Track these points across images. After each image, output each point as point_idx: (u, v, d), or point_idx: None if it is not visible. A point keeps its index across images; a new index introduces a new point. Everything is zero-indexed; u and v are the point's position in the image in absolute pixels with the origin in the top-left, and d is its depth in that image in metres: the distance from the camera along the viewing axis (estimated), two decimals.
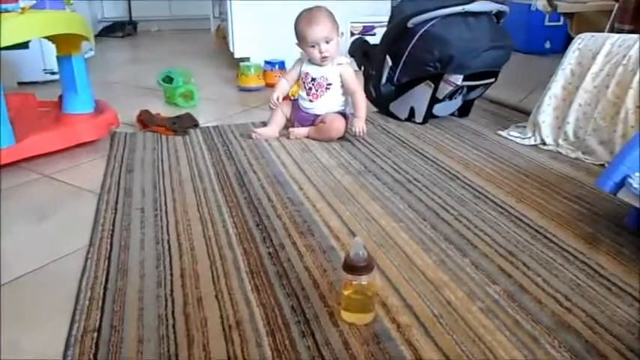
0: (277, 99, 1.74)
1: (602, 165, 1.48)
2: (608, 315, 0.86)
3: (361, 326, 0.83)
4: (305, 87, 1.76)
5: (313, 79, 1.73)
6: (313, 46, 1.67)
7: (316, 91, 1.73)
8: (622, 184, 1.08)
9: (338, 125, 1.70)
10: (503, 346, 0.79)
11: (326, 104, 1.74)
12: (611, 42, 1.59)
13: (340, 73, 1.72)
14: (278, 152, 1.62)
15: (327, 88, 1.73)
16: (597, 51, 1.59)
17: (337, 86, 1.73)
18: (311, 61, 1.74)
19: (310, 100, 1.75)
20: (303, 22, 1.68)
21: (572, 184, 1.39)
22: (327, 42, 1.67)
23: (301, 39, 1.70)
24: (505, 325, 0.83)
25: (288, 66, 2.36)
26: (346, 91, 1.75)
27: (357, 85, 1.76)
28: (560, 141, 1.63)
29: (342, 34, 1.75)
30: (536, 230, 1.13)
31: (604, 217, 1.19)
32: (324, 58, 1.69)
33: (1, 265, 1.02)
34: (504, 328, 0.82)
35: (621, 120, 1.47)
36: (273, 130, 1.75)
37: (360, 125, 1.70)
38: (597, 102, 1.55)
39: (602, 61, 1.57)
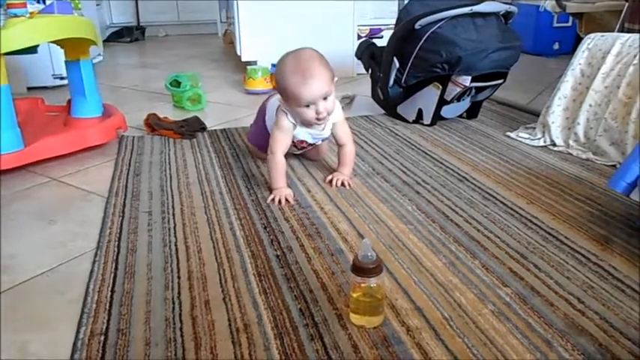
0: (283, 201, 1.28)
1: (614, 166, 1.47)
2: (622, 317, 0.84)
3: (370, 329, 0.82)
4: (298, 147, 1.47)
5: (310, 144, 1.45)
6: (308, 106, 1.27)
7: (313, 147, 1.51)
8: (635, 184, 1.07)
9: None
10: (515, 349, 0.77)
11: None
12: (621, 42, 1.57)
13: (333, 129, 1.40)
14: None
15: (321, 141, 1.48)
16: (607, 51, 1.58)
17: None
18: (303, 124, 1.34)
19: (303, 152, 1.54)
20: (292, 77, 1.24)
21: (583, 185, 1.37)
22: (325, 98, 1.27)
23: (292, 99, 1.26)
24: (517, 328, 0.82)
25: None
26: (337, 142, 1.44)
27: (349, 138, 1.42)
28: (571, 142, 1.61)
29: (337, 80, 1.32)
30: (547, 232, 1.12)
31: (616, 219, 1.17)
32: (320, 119, 1.29)
33: (11, 268, 1.02)
34: (516, 331, 0.81)
35: (633, 120, 1.45)
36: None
37: (341, 179, 1.37)
38: (608, 102, 1.53)
39: (612, 61, 1.56)
